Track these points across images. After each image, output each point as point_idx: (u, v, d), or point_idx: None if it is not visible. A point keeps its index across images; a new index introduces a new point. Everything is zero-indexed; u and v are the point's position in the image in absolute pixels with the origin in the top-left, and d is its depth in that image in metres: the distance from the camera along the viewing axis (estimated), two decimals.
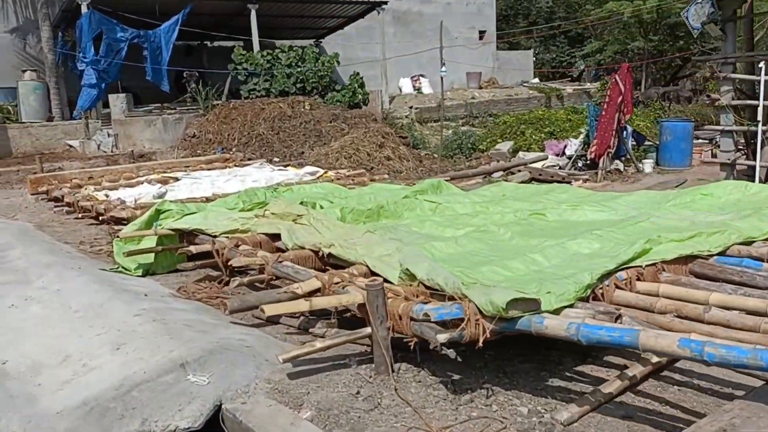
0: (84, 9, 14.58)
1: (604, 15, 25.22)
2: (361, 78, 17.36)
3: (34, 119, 14.94)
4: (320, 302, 3.21)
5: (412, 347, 3.14)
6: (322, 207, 5.92)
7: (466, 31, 26.40)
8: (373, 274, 3.94)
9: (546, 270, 3.78)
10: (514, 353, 3.45)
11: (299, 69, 16.17)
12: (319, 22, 20.67)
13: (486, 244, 4.37)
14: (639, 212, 5.15)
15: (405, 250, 4.03)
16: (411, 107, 19.86)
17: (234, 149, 13.36)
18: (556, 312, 3.13)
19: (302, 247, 4.63)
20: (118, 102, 14.55)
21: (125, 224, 6.73)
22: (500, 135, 13.94)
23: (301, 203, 5.75)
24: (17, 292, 4.59)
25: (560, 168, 12.34)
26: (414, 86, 23.07)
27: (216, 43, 20.93)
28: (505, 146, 13.45)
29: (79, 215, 8.14)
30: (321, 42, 21.06)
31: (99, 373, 3.20)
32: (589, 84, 26.01)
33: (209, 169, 10.79)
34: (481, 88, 23.49)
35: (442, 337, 2.86)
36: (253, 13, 16.73)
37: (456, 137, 17.17)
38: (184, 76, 17.54)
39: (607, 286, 3.57)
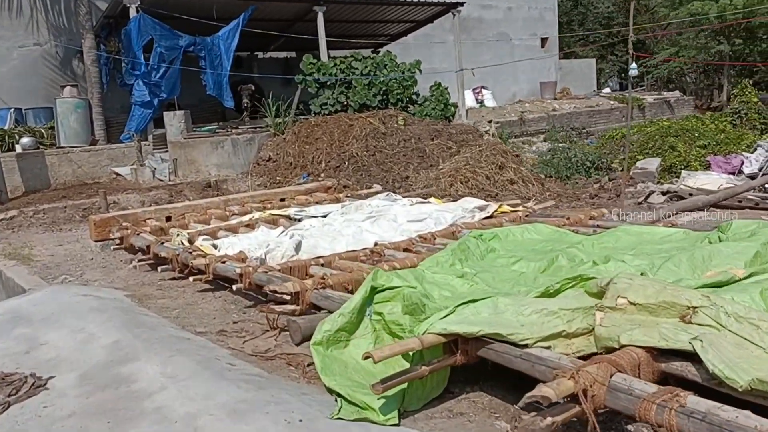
0: (133, 12, 12.32)
1: (681, 17, 23.00)
2: (446, 88, 15.04)
3: (75, 143, 12.56)
4: None
5: None
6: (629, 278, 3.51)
7: (528, 38, 24.25)
8: None
9: None
10: None
11: (381, 79, 13.85)
12: (383, 28, 18.46)
13: None
14: None
15: None
16: (490, 121, 17.52)
17: (322, 174, 11.00)
18: None
19: None
20: (175, 121, 12.19)
21: (289, 302, 4.33)
22: (640, 150, 11.52)
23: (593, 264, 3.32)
24: None
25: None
26: (476, 99, 20.81)
27: (267, 54, 18.71)
28: (651, 164, 11.06)
29: (183, 274, 5.75)
30: (379, 52, 18.79)
31: None
32: (667, 93, 23.63)
33: (316, 202, 8.40)
34: (556, 99, 21.16)
35: None
36: (320, 16, 14.48)
37: (554, 154, 14.85)
38: (238, 90, 15.22)
39: None
